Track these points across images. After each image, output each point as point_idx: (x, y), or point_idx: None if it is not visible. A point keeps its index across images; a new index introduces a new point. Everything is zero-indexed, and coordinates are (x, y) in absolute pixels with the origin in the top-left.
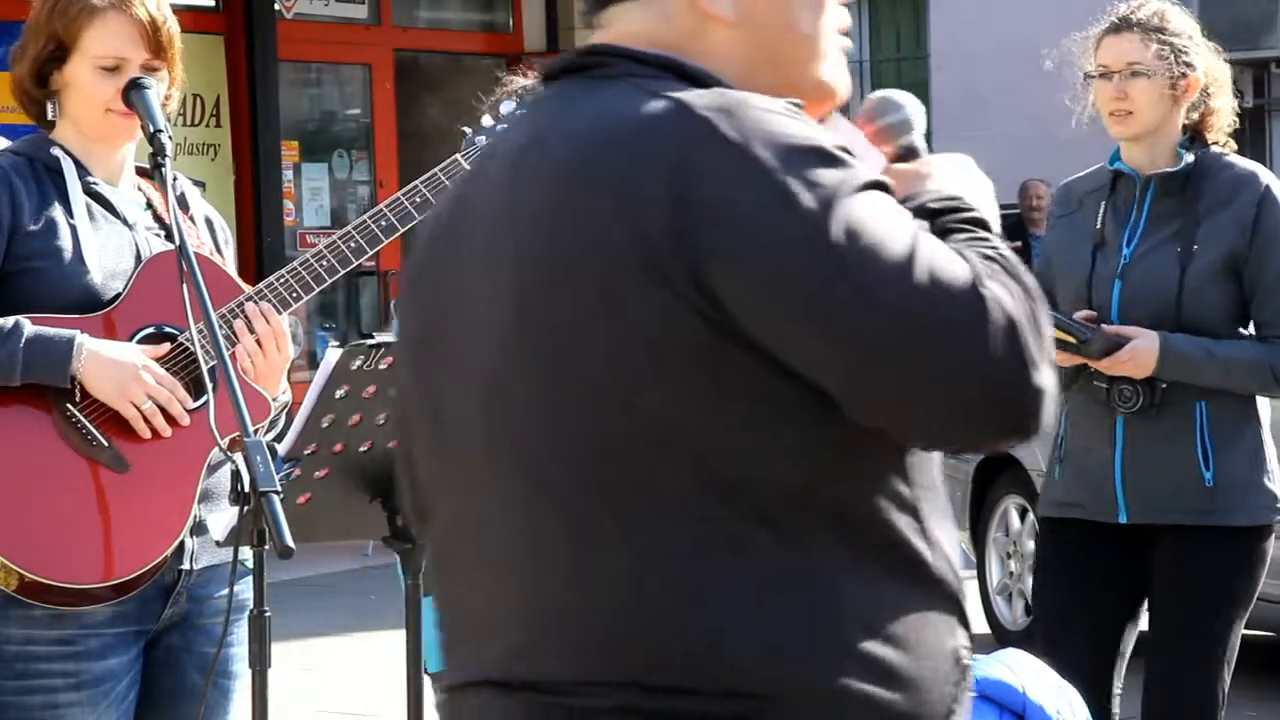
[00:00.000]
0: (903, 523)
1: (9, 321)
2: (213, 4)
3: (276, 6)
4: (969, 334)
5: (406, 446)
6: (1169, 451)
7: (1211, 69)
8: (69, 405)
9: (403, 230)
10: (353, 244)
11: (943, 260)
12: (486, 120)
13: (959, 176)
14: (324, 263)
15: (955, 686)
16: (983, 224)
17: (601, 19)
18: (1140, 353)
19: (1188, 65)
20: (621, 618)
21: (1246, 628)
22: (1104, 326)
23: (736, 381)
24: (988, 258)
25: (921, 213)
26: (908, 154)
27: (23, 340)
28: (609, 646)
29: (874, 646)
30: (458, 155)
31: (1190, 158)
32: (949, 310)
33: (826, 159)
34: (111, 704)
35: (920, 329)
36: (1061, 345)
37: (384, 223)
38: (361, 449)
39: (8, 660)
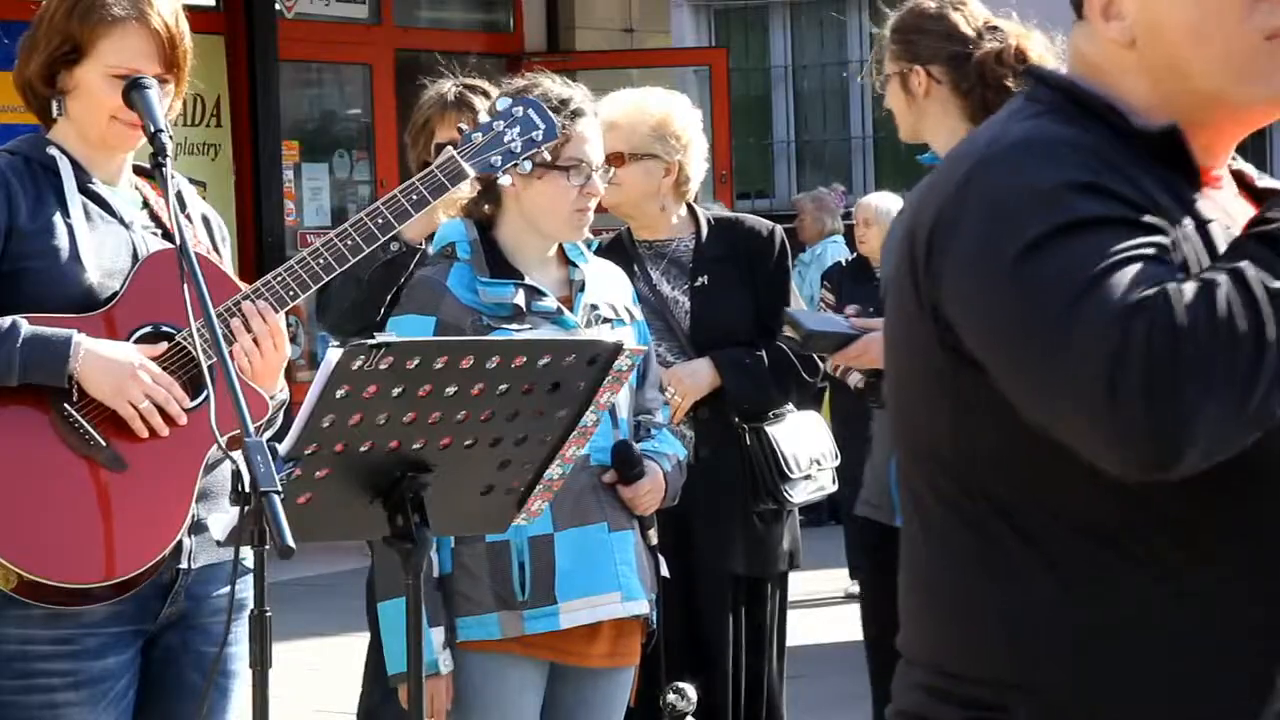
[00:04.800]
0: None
1: (6, 321)
2: (213, 4)
3: (277, 6)
4: (1074, 357)
5: None
6: None
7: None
8: (66, 405)
9: (399, 228)
10: (349, 242)
11: (1100, 290)
12: (484, 118)
13: None
14: (320, 261)
15: None
16: None
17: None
18: (873, 345)
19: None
20: None
21: None
22: (854, 320)
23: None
24: (1203, 289)
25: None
26: None
27: (20, 340)
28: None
29: None
30: (454, 154)
31: None
32: (1078, 327)
33: (1038, 202)
34: (110, 703)
35: (1031, 342)
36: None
37: (380, 221)
38: (362, 449)
39: (6, 660)
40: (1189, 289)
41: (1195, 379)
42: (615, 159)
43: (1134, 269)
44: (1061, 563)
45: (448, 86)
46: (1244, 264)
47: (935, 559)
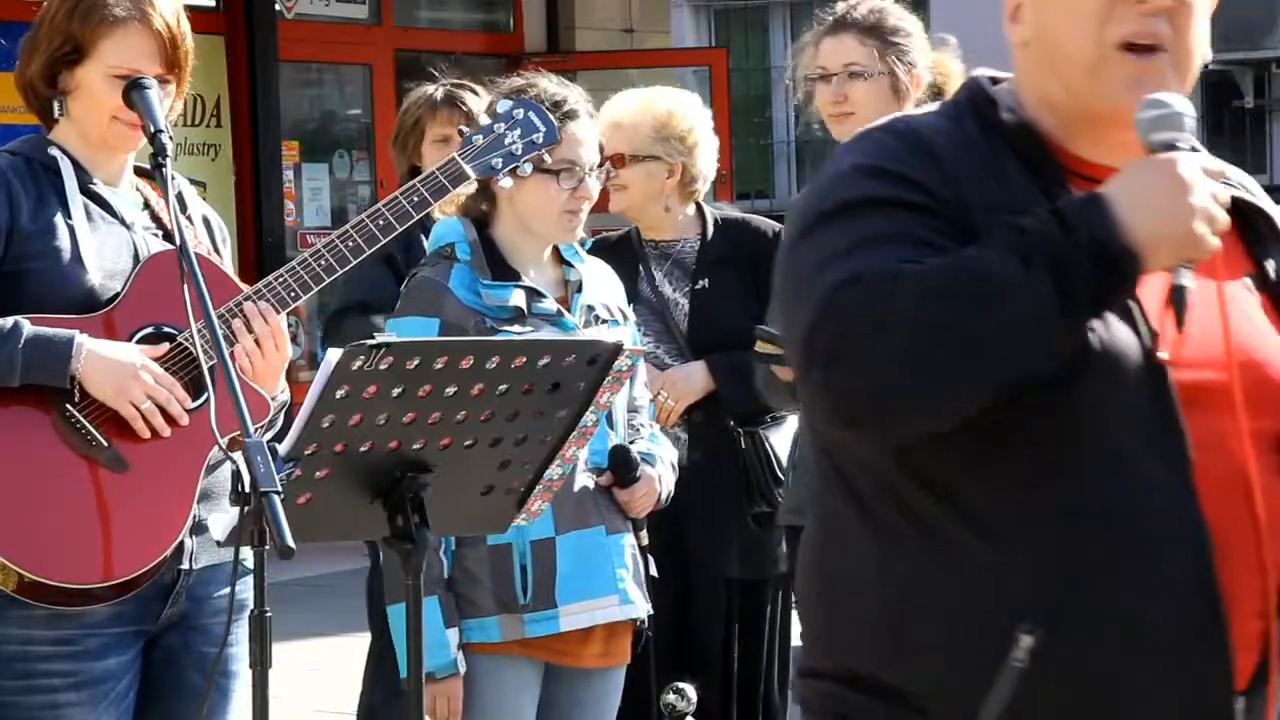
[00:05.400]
0: None
1: (8, 322)
2: (213, 4)
3: (277, 6)
4: (797, 321)
5: None
6: None
7: (940, 63)
8: (68, 405)
9: (400, 230)
10: (350, 243)
11: (826, 265)
12: (484, 120)
13: (1121, 184)
14: (322, 262)
15: None
16: (1023, 238)
17: None
18: None
19: (910, 63)
20: None
21: None
22: None
23: None
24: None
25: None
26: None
27: (22, 341)
28: None
29: None
30: (455, 155)
31: None
32: (807, 298)
33: (834, 183)
34: (111, 704)
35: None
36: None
37: (381, 222)
38: (362, 449)
39: (8, 660)
40: (909, 270)
41: (870, 351)
42: (617, 160)
43: (881, 248)
44: (878, 532)
45: (434, 87)
46: (974, 249)
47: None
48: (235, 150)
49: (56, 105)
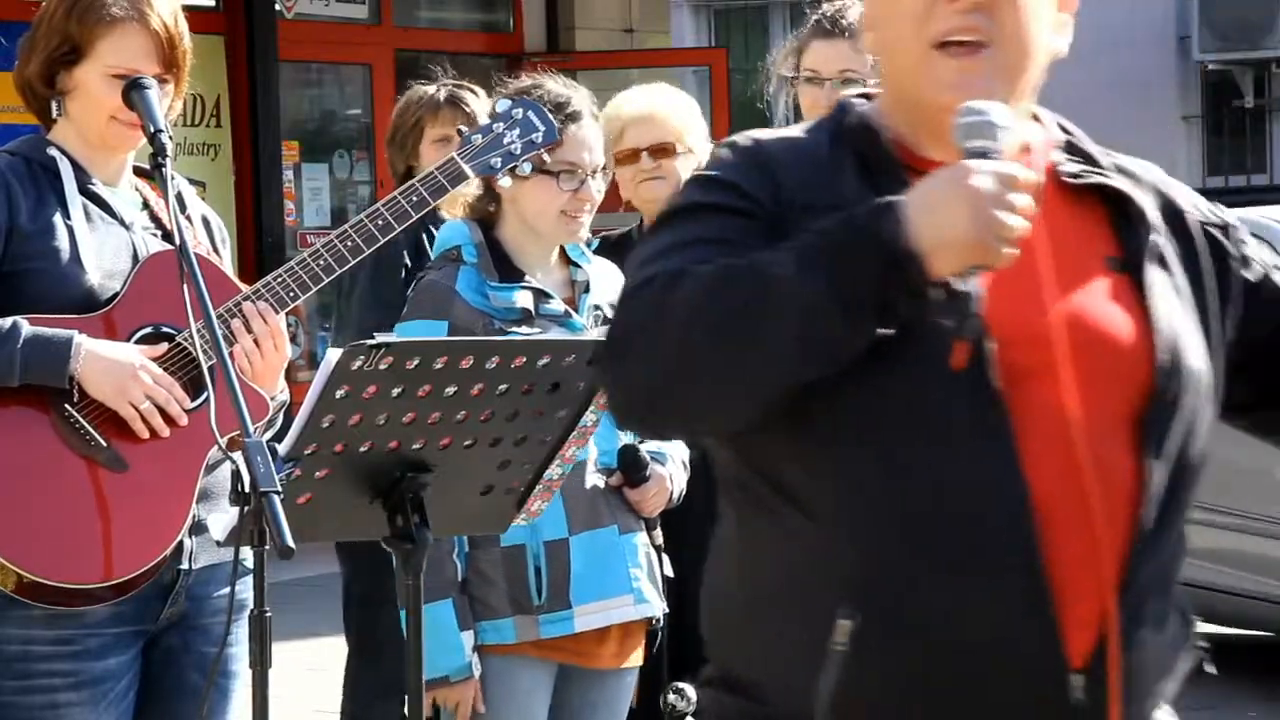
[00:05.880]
0: None
1: (7, 322)
2: (213, 4)
3: (277, 6)
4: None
5: None
6: None
7: None
8: (67, 406)
9: (399, 229)
10: (349, 243)
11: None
12: (483, 120)
13: (920, 188)
14: (321, 262)
15: None
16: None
17: None
18: None
19: None
20: None
21: (1247, 628)
22: None
23: None
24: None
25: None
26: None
27: (21, 341)
28: None
29: None
30: (454, 155)
31: None
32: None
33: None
34: (111, 704)
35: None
36: None
37: (380, 222)
38: (362, 449)
39: (8, 660)
40: (693, 270)
41: (644, 350)
42: (661, 150)
43: (692, 250)
44: (741, 531)
45: (434, 87)
46: (765, 251)
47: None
48: (235, 150)
49: (55, 105)
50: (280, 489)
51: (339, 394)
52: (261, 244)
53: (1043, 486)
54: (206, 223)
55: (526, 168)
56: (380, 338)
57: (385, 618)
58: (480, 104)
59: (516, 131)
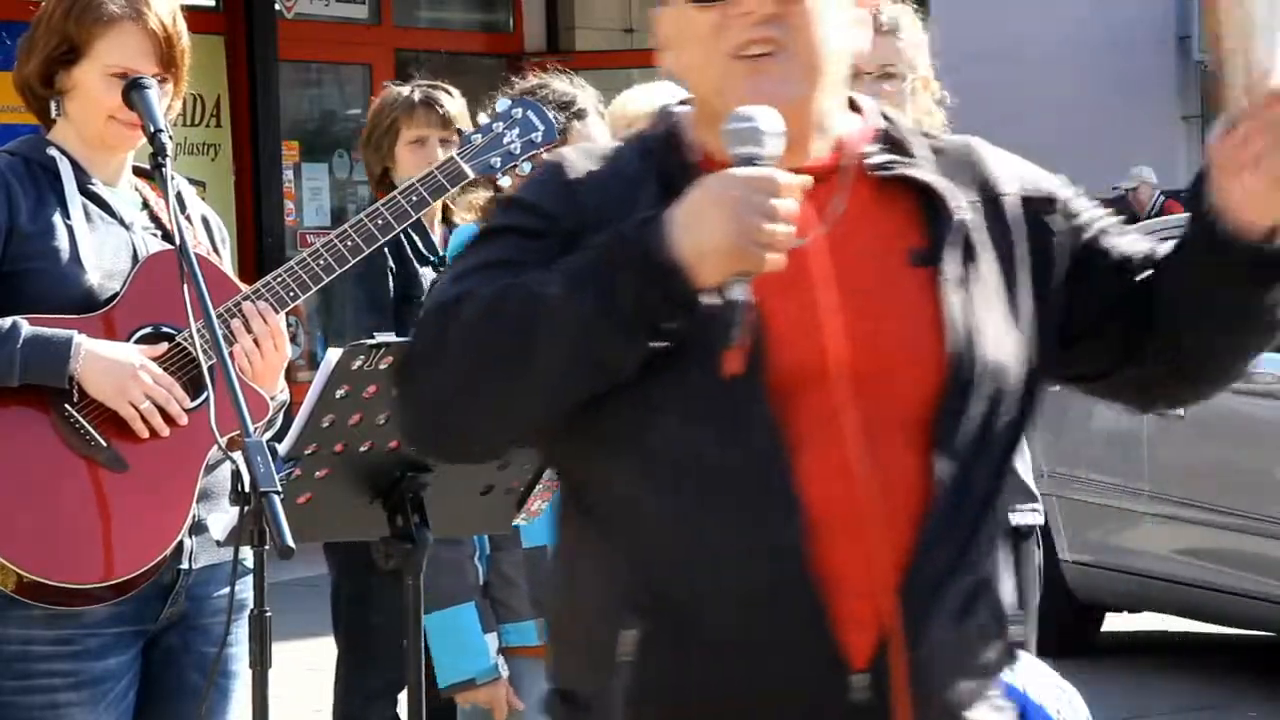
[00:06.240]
0: None
1: (7, 322)
2: (213, 4)
3: (277, 6)
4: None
5: None
6: None
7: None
8: (67, 405)
9: (399, 229)
10: (349, 243)
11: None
12: (483, 120)
13: (685, 199)
14: (321, 262)
15: None
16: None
17: None
18: None
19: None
20: None
21: (1246, 628)
22: None
23: None
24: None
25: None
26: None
27: (20, 341)
28: None
29: None
30: (454, 155)
31: None
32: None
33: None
34: (111, 704)
35: None
36: None
37: (380, 222)
38: (362, 449)
39: (8, 660)
40: (473, 293)
41: (424, 374)
42: None
43: (484, 274)
44: (565, 540)
45: (409, 88)
46: (539, 270)
47: None
48: (235, 150)
49: (54, 105)
50: (280, 489)
51: (339, 394)
52: (261, 244)
53: (816, 490)
54: (206, 222)
55: (526, 167)
56: (380, 338)
57: (374, 617)
58: (455, 104)
59: (516, 131)
